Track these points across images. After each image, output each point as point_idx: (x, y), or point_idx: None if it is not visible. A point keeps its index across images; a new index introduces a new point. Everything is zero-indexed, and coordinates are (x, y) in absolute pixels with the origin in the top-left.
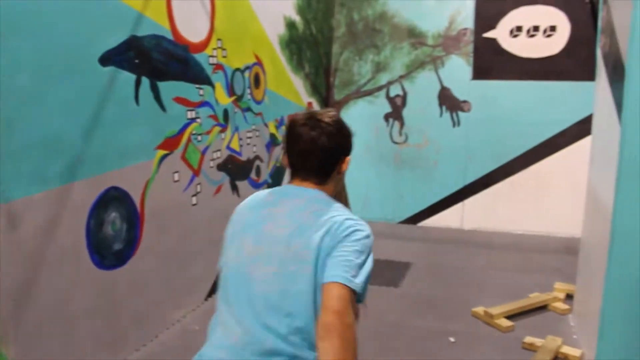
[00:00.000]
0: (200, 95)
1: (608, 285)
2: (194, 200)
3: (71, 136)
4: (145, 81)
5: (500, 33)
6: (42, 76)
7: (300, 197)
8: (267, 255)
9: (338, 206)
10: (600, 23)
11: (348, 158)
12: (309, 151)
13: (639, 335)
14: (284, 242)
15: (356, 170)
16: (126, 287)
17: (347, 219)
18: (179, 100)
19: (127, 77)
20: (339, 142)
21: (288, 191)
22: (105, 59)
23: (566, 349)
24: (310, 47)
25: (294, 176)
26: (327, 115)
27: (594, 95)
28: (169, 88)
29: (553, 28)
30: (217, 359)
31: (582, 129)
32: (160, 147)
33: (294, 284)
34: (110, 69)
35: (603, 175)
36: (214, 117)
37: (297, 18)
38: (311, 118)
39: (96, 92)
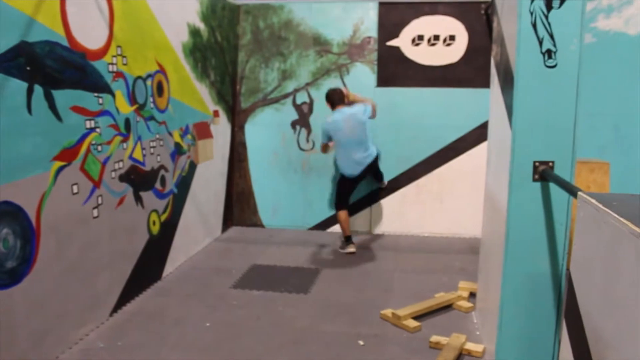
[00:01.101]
0: (100, 104)
1: (505, 282)
2: (95, 212)
3: None
4: (38, 89)
5: (402, 41)
6: None
7: (345, 112)
8: (350, 130)
9: (357, 105)
10: (493, 33)
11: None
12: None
13: (534, 328)
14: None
15: (264, 177)
16: (22, 306)
17: (363, 109)
18: (77, 110)
19: (17, 85)
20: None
21: (341, 110)
22: None
23: (470, 345)
24: (215, 55)
25: (335, 105)
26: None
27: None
28: (66, 97)
29: (452, 37)
30: (354, 164)
31: (481, 133)
32: (56, 158)
33: (362, 136)
34: None
35: (497, 178)
36: (115, 126)
37: (201, 25)
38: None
39: None
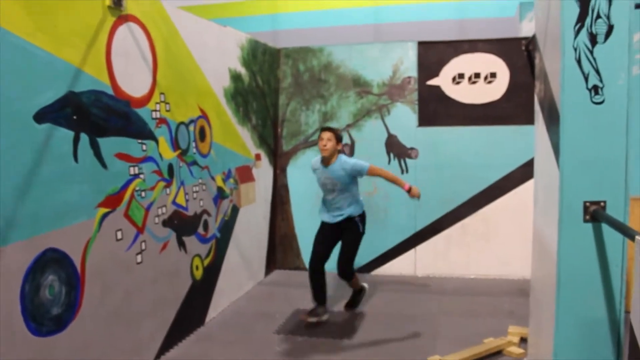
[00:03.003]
0: (143, 150)
1: (558, 328)
2: (139, 258)
3: (3, 197)
4: (84, 138)
5: (443, 80)
6: None
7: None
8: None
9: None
10: (535, 69)
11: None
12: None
13: None
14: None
15: (307, 220)
16: (66, 353)
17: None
18: (121, 156)
19: (64, 134)
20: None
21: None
22: (41, 116)
23: None
24: (256, 99)
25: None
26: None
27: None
28: (110, 144)
29: (493, 75)
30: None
31: (526, 171)
32: (101, 205)
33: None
34: (46, 126)
35: (546, 218)
36: (158, 172)
37: (242, 70)
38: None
39: (31, 150)
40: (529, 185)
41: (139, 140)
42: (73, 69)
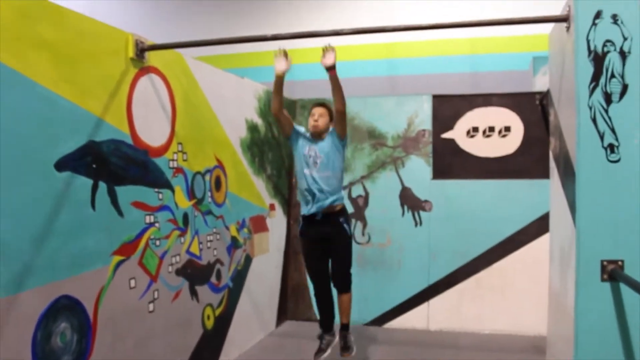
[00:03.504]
0: (160, 199)
1: None
2: (151, 307)
3: (20, 244)
4: (102, 186)
5: (457, 134)
6: None
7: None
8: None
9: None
10: (550, 124)
11: None
12: None
13: None
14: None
15: None
16: None
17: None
18: (138, 205)
19: (83, 182)
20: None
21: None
22: (62, 165)
23: None
24: (272, 149)
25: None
26: None
27: (549, 193)
28: (127, 192)
29: (507, 128)
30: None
31: (541, 225)
32: (116, 252)
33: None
34: (66, 174)
35: (563, 275)
36: (173, 221)
37: (259, 121)
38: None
39: (50, 197)
40: (544, 239)
41: (156, 189)
42: (94, 119)
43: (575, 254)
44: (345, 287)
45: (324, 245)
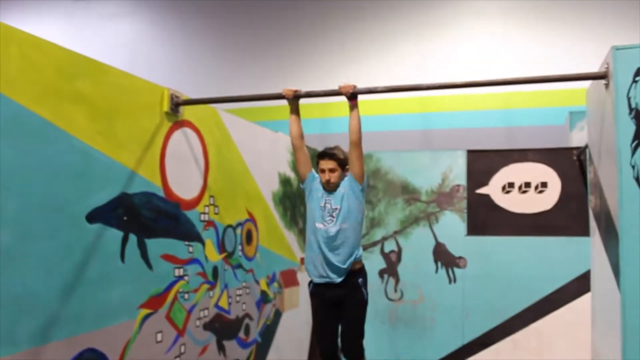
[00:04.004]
0: (190, 252)
1: None
2: None
3: (48, 295)
4: (132, 238)
5: (492, 189)
6: (25, 234)
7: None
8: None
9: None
10: (588, 181)
11: None
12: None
13: None
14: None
15: None
16: None
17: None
18: (167, 258)
19: (114, 234)
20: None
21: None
22: (93, 216)
23: None
24: (304, 203)
25: None
26: None
27: (590, 252)
28: (158, 245)
29: (544, 184)
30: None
31: (581, 285)
32: (143, 305)
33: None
34: (97, 226)
35: (606, 338)
36: (203, 274)
37: (291, 174)
38: None
39: (80, 249)
40: (585, 299)
41: (186, 242)
42: (128, 172)
43: (620, 319)
44: (355, 355)
45: (336, 309)
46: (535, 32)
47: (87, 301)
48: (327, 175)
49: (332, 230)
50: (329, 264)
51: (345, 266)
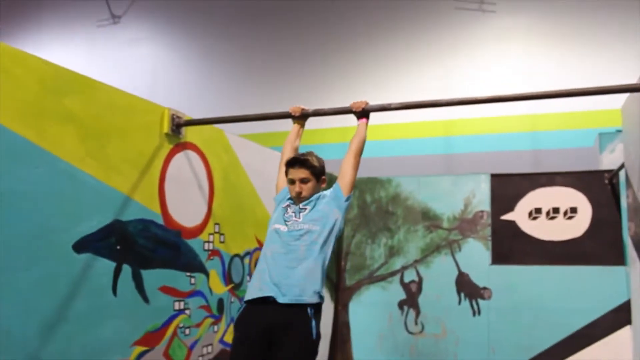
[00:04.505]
0: (192, 284)
1: None
2: None
3: (26, 332)
4: (126, 269)
5: (518, 215)
6: (1, 265)
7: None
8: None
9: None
10: (624, 206)
11: None
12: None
13: None
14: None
15: None
16: None
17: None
18: (166, 290)
19: (105, 265)
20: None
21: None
22: (81, 246)
23: None
24: None
25: None
26: None
27: (626, 281)
28: (155, 276)
29: (574, 210)
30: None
31: (617, 318)
32: (138, 342)
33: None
34: (85, 255)
35: None
36: (207, 307)
37: None
38: None
39: (66, 282)
40: (623, 333)
41: (188, 273)
42: (122, 197)
43: None
44: None
45: (265, 349)
46: (561, 51)
47: (74, 339)
48: (297, 187)
49: (296, 227)
50: (279, 272)
51: (297, 287)
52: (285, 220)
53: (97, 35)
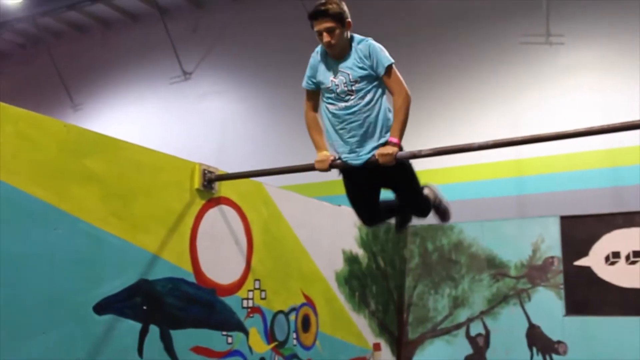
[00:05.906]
0: (229, 343)
1: None
2: None
3: None
4: (154, 330)
5: (594, 260)
6: (16, 330)
7: None
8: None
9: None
10: None
11: None
12: None
13: None
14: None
15: None
16: None
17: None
18: (199, 350)
19: (129, 326)
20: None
21: None
22: (102, 307)
23: None
24: (376, 282)
25: None
26: None
27: None
28: (187, 336)
29: None
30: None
31: None
32: None
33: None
34: (107, 317)
35: None
36: None
37: (359, 251)
38: None
39: (85, 344)
40: None
41: (224, 332)
42: (148, 256)
43: None
44: (424, 212)
45: (372, 178)
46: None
47: None
48: (325, 37)
49: (350, 109)
50: (358, 150)
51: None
52: (335, 100)
53: (170, 92)
